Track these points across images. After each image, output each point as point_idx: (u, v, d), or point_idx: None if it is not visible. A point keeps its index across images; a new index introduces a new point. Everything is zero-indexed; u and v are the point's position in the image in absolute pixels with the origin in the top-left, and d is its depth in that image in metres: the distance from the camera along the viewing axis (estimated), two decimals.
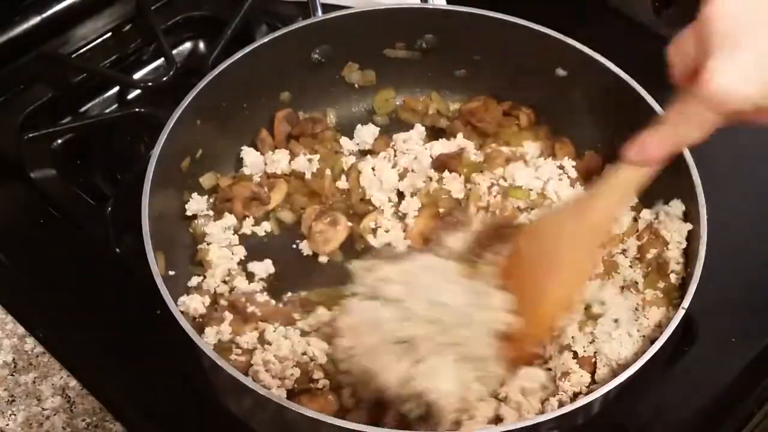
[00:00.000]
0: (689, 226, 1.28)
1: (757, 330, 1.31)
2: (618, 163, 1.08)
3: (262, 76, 1.43)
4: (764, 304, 1.33)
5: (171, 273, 1.28)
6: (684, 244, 1.28)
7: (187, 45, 1.68)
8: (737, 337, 1.30)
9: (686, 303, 1.16)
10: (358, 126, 1.49)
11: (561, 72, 1.42)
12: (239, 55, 1.38)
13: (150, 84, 1.57)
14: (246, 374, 1.16)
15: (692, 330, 1.29)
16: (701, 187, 1.24)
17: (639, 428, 1.24)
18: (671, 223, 1.29)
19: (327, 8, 1.49)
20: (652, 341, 1.14)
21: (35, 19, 1.59)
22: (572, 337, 1.24)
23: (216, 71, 1.36)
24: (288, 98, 1.49)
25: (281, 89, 1.48)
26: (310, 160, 1.43)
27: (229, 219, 1.37)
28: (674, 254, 1.28)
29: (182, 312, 1.19)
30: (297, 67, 1.46)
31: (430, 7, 1.49)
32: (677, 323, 1.14)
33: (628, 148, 1.05)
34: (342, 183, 1.41)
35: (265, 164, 1.44)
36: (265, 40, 1.41)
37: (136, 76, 1.62)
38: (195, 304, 1.26)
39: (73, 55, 1.61)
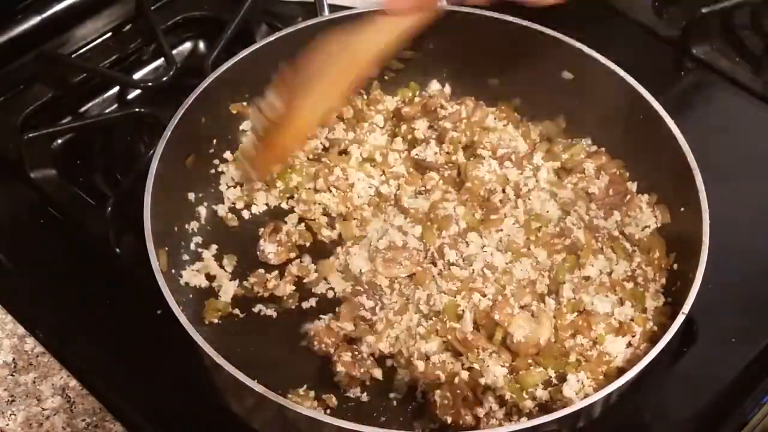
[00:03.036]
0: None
1: (757, 330, 1.31)
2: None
3: (267, 75, 1.43)
4: (764, 304, 1.33)
5: (172, 272, 1.27)
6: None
7: (187, 45, 1.68)
8: (737, 337, 1.30)
9: (686, 308, 1.16)
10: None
11: (567, 75, 1.43)
12: (245, 53, 1.39)
13: (150, 84, 1.57)
14: None
15: (692, 330, 1.29)
16: (704, 191, 1.24)
17: (640, 428, 1.24)
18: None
19: (332, 9, 1.49)
20: (653, 343, 1.14)
21: (35, 19, 1.59)
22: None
23: (220, 69, 1.37)
24: None
25: None
26: None
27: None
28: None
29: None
30: None
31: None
32: (678, 327, 1.14)
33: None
34: None
35: None
36: (270, 39, 1.41)
37: (136, 76, 1.62)
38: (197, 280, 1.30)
39: (73, 55, 1.61)
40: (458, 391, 1.18)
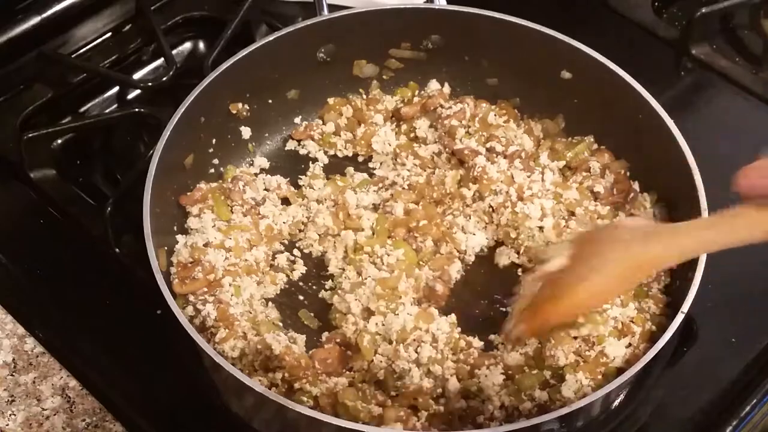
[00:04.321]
0: None
1: (757, 330, 1.31)
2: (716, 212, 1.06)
3: (267, 75, 1.44)
4: (764, 304, 1.33)
5: (172, 271, 1.28)
6: None
7: (187, 45, 1.68)
8: (737, 337, 1.30)
9: (686, 307, 1.16)
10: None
11: (566, 74, 1.43)
12: (244, 53, 1.39)
13: (150, 84, 1.57)
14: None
15: (692, 330, 1.29)
16: (703, 191, 1.24)
17: (640, 428, 1.24)
18: None
19: (331, 8, 1.49)
20: (654, 340, 1.14)
21: (35, 19, 1.59)
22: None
23: (220, 69, 1.37)
24: (296, 96, 1.50)
25: (288, 88, 1.49)
26: None
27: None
28: None
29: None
30: (303, 66, 1.47)
31: (435, 7, 1.49)
32: (677, 327, 1.14)
33: (739, 177, 1.00)
34: None
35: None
36: (270, 38, 1.41)
37: (136, 76, 1.62)
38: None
39: (73, 55, 1.61)
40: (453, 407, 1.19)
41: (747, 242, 1.03)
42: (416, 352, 1.22)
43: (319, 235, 1.39)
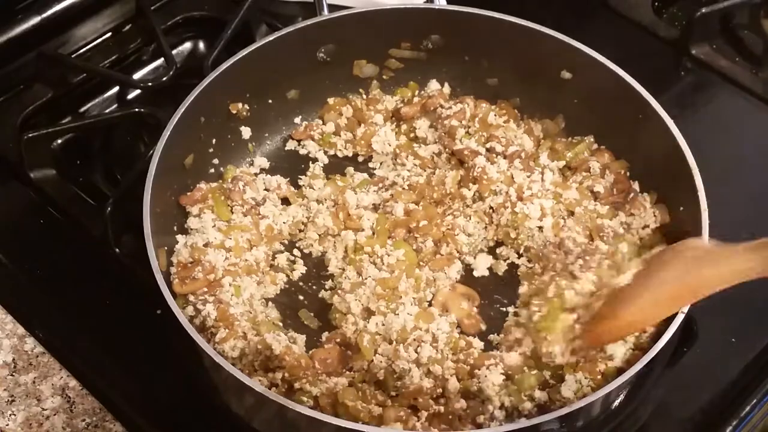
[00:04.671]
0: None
1: (757, 330, 1.31)
2: None
3: (267, 75, 1.44)
4: (764, 304, 1.33)
5: (172, 271, 1.28)
6: None
7: (187, 45, 1.68)
8: (737, 337, 1.30)
9: (686, 308, 1.16)
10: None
11: (566, 74, 1.43)
12: (244, 53, 1.39)
13: (150, 84, 1.57)
14: None
15: (692, 330, 1.29)
16: (704, 191, 1.24)
17: (640, 428, 1.24)
18: None
19: (331, 8, 1.49)
20: (654, 340, 1.14)
21: (35, 19, 1.59)
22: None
23: (220, 69, 1.37)
24: (296, 96, 1.50)
25: (288, 88, 1.49)
26: None
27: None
28: None
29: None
30: (303, 66, 1.47)
31: (435, 7, 1.49)
32: (677, 326, 1.14)
33: None
34: None
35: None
36: (270, 38, 1.41)
37: (136, 76, 1.62)
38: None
39: (73, 55, 1.61)
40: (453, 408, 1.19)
41: None
42: (416, 352, 1.22)
43: (319, 235, 1.39)
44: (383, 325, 1.25)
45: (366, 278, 1.30)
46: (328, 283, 1.35)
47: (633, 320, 1.14)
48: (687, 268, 1.10)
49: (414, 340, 1.23)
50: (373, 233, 1.37)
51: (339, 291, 1.31)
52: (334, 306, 1.30)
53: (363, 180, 1.45)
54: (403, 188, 1.41)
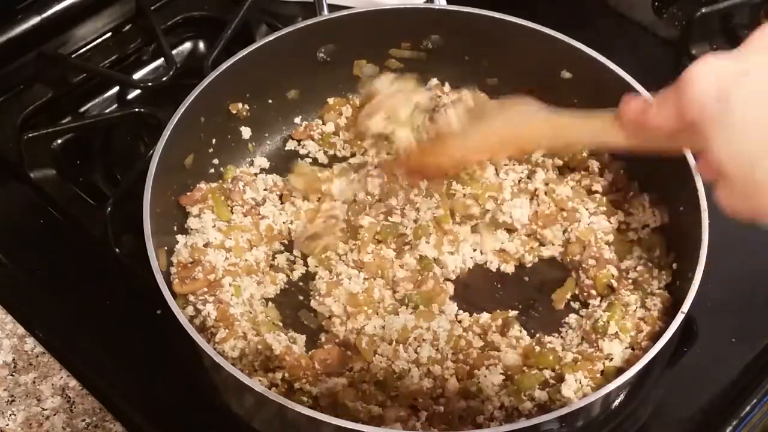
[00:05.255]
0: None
1: (757, 330, 1.31)
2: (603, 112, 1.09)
3: (267, 75, 1.44)
4: (764, 304, 1.33)
5: (172, 271, 1.28)
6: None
7: (187, 45, 1.68)
8: (737, 337, 1.30)
9: (686, 307, 1.16)
10: None
11: (566, 74, 1.43)
12: (244, 53, 1.39)
13: (150, 84, 1.57)
14: None
15: (692, 330, 1.29)
16: (704, 191, 1.24)
17: (640, 428, 1.24)
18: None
19: (331, 8, 1.49)
20: (654, 340, 1.14)
21: (35, 19, 1.59)
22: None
23: (220, 69, 1.37)
24: (296, 96, 1.50)
25: (288, 88, 1.49)
26: None
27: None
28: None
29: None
30: (303, 66, 1.47)
31: (435, 7, 1.49)
32: (677, 326, 1.14)
33: (623, 101, 1.03)
34: None
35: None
36: (270, 38, 1.41)
37: (136, 76, 1.62)
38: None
39: (73, 55, 1.61)
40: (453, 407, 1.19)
41: (601, 146, 1.18)
42: (416, 352, 1.22)
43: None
44: (382, 328, 1.25)
45: (339, 276, 1.30)
46: None
47: (458, 153, 1.21)
48: (514, 117, 1.16)
49: (414, 339, 1.23)
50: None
51: (316, 296, 1.31)
52: (317, 311, 1.31)
53: (341, 168, 1.45)
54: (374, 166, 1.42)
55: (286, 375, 1.19)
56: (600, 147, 1.26)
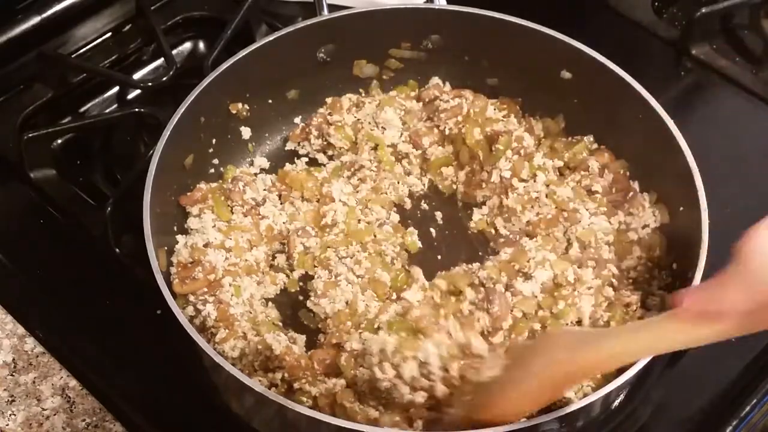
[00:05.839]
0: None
1: None
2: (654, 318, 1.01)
3: (267, 75, 1.44)
4: None
5: (172, 271, 1.28)
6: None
7: (187, 45, 1.68)
8: (737, 337, 1.30)
9: None
10: None
11: (566, 74, 1.43)
12: (244, 53, 1.39)
13: (150, 84, 1.57)
14: None
15: None
16: (703, 192, 1.24)
17: (640, 428, 1.24)
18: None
19: (331, 8, 1.49)
20: None
21: (35, 19, 1.59)
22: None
23: (220, 69, 1.37)
24: (296, 96, 1.50)
25: (288, 88, 1.49)
26: None
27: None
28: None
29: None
30: (303, 66, 1.47)
31: (435, 7, 1.49)
32: None
33: (679, 295, 0.97)
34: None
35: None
36: (270, 38, 1.41)
37: (136, 76, 1.62)
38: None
39: (73, 55, 1.61)
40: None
41: (672, 350, 1.02)
42: (397, 371, 1.16)
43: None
44: (362, 344, 1.23)
45: (338, 277, 1.30)
46: None
47: (505, 411, 1.07)
48: (555, 357, 1.03)
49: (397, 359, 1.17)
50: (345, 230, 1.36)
51: (313, 295, 1.30)
52: (314, 313, 1.30)
53: (335, 167, 1.45)
54: (371, 170, 1.42)
55: (286, 375, 1.19)
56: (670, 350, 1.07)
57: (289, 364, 1.19)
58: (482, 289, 1.27)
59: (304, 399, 1.18)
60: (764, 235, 0.83)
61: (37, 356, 1.26)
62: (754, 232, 0.84)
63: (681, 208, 1.30)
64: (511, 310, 1.26)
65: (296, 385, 1.19)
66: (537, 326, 1.25)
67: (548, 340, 1.11)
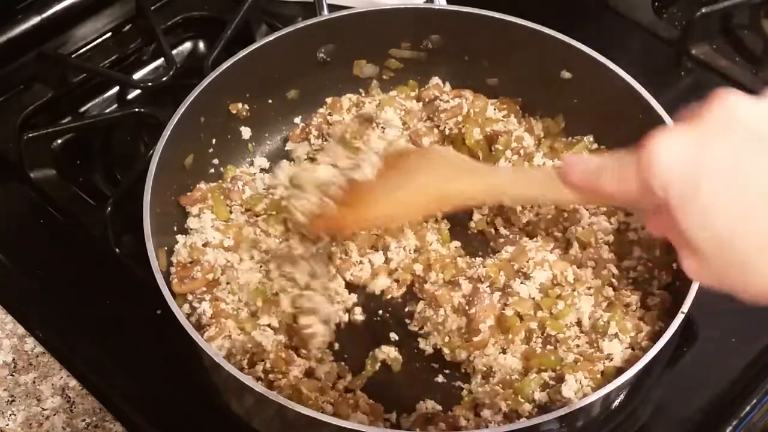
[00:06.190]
0: None
1: (757, 330, 1.31)
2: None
3: (267, 75, 1.44)
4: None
5: (172, 271, 1.28)
6: None
7: (187, 45, 1.68)
8: (737, 337, 1.30)
9: (686, 308, 1.16)
10: None
11: (566, 74, 1.43)
12: (244, 53, 1.39)
13: (150, 84, 1.57)
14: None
15: (692, 330, 1.29)
16: None
17: (640, 428, 1.24)
18: None
19: (331, 8, 1.49)
20: (654, 340, 1.14)
21: (35, 19, 1.59)
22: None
23: (220, 69, 1.37)
24: (296, 96, 1.50)
25: (288, 88, 1.49)
26: None
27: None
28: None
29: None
30: (303, 66, 1.47)
31: (435, 7, 1.49)
32: (677, 326, 1.14)
33: (566, 161, 1.03)
34: None
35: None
36: (270, 38, 1.41)
37: (136, 76, 1.62)
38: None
39: (73, 55, 1.61)
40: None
41: (536, 201, 1.15)
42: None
43: None
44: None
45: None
46: None
47: (377, 215, 1.11)
48: (439, 176, 1.06)
49: None
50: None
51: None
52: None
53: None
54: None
55: (268, 366, 1.19)
56: (542, 202, 1.18)
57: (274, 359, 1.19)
58: (471, 286, 1.27)
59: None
60: (671, 140, 0.86)
61: (37, 356, 1.26)
62: (662, 135, 0.87)
63: None
64: (503, 310, 1.26)
65: (271, 377, 1.19)
66: (534, 326, 1.25)
67: (429, 157, 1.12)
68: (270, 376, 1.19)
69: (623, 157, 0.94)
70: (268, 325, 1.24)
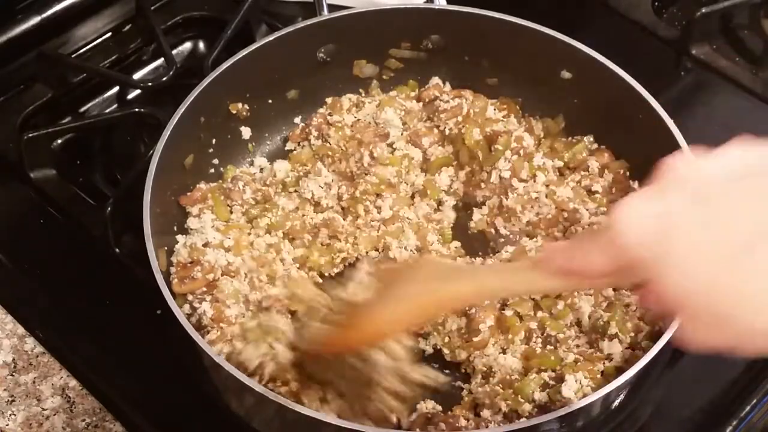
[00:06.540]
0: None
1: None
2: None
3: (267, 75, 1.44)
4: None
5: (172, 271, 1.28)
6: None
7: (187, 45, 1.68)
8: None
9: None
10: None
11: (566, 74, 1.43)
12: (244, 53, 1.39)
13: (150, 84, 1.57)
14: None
15: None
16: None
17: (640, 428, 1.24)
18: None
19: (331, 8, 1.49)
20: (654, 340, 1.14)
21: (35, 19, 1.59)
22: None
23: (220, 69, 1.37)
24: (296, 96, 1.50)
25: (288, 88, 1.49)
26: None
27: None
28: None
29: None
30: (303, 66, 1.47)
31: (435, 7, 1.49)
32: (677, 327, 1.13)
33: (545, 250, 1.06)
34: None
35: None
36: (270, 38, 1.41)
37: (136, 76, 1.62)
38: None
39: (73, 55, 1.61)
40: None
41: (535, 294, 1.22)
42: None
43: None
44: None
45: None
46: None
47: (374, 331, 1.11)
48: (428, 283, 1.07)
49: None
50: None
51: None
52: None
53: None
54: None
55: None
56: (532, 293, 1.22)
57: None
58: None
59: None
60: (632, 204, 0.86)
61: (37, 356, 1.26)
62: (626, 203, 0.87)
63: None
64: (503, 310, 1.26)
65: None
66: (534, 326, 1.25)
67: (417, 269, 1.14)
68: (269, 385, 1.19)
69: (597, 231, 0.97)
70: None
